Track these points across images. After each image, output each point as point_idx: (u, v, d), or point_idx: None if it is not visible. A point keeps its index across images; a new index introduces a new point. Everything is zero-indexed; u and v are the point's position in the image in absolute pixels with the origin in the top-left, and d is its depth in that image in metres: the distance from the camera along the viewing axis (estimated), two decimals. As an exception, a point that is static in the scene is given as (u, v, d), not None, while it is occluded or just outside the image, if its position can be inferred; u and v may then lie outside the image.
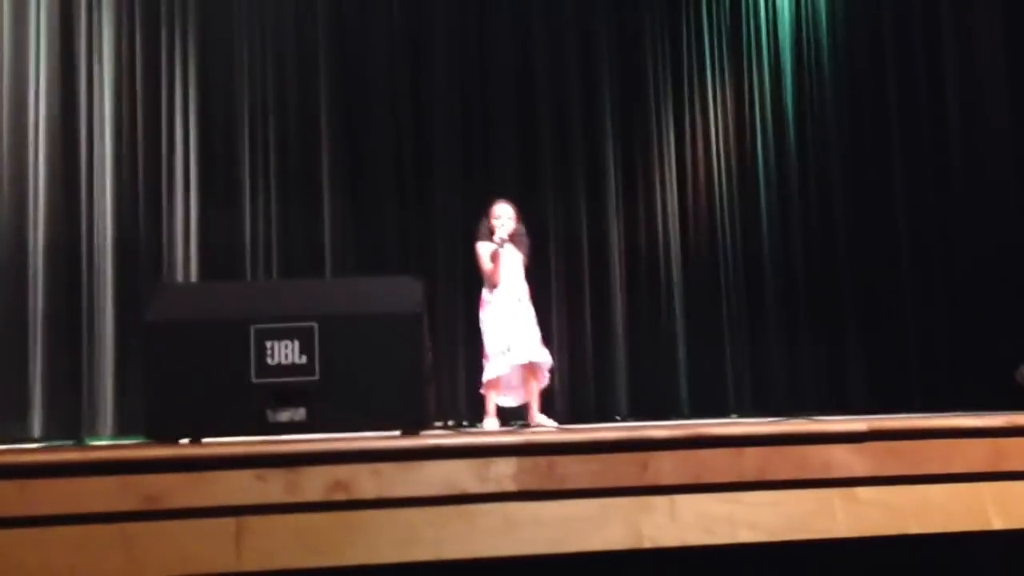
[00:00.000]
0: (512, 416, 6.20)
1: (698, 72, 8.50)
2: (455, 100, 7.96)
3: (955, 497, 2.00)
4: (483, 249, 5.89)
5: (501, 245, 5.82)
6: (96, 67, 7.11)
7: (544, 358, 5.84)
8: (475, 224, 7.20)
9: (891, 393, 7.81)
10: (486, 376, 5.78)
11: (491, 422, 5.80)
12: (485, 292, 5.90)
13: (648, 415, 7.70)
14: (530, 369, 5.79)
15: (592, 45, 8.31)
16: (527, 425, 5.85)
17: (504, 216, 5.90)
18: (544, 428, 5.51)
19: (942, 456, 2.00)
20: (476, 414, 7.53)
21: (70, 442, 6.03)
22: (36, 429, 6.45)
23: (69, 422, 6.55)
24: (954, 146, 8.04)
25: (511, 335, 5.73)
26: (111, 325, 6.88)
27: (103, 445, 2.82)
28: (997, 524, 2.00)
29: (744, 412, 7.90)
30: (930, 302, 8.03)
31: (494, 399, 5.83)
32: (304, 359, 2.26)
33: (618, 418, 7.77)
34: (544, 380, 5.90)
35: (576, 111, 8.20)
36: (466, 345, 7.69)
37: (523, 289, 5.89)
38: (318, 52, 7.73)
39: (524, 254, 5.94)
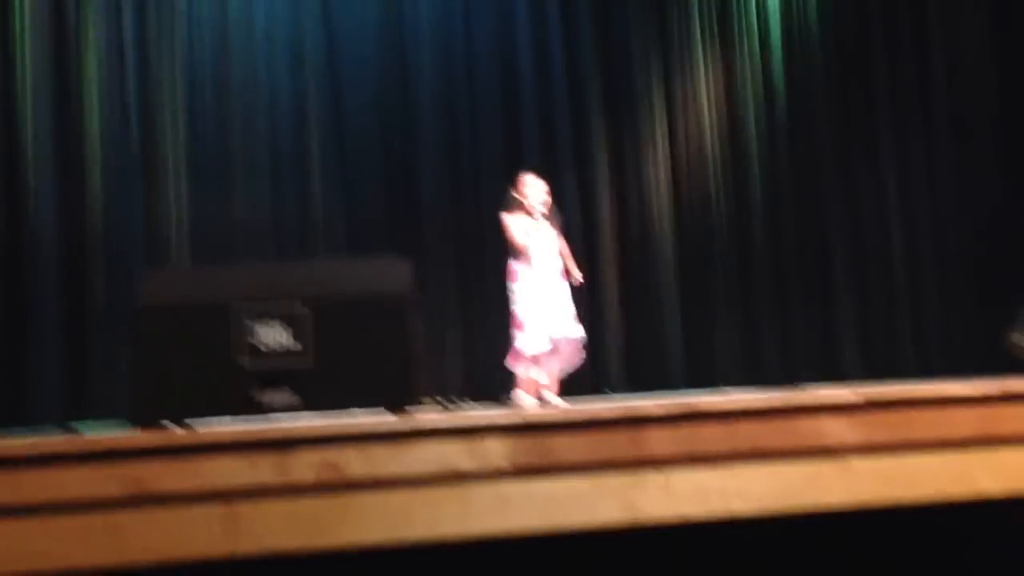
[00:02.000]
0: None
1: (687, 43, 8.45)
2: (440, 77, 7.93)
3: (947, 465, 2.00)
4: (513, 221, 5.88)
5: (538, 218, 5.83)
6: (85, 49, 7.07)
7: (579, 334, 5.88)
8: (463, 196, 7.18)
9: (884, 362, 7.84)
10: (526, 350, 5.77)
11: (524, 396, 5.80)
12: (514, 264, 5.89)
13: (641, 388, 7.71)
14: (555, 347, 5.82)
15: (577, 18, 8.26)
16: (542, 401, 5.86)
17: (539, 190, 5.91)
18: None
19: (933, 424, 2.00)
20: (468, 391, 7.54)
21: (59, 426, 6.02)
22: (25, 414, 6.44)
23: (58, 406, 6.54)
24: (940, 113, 8.06)
25: (551, 310, 5.75)
26: (100, 309, 6.86)
27: (90, 433, 2.82)
28: (989, 490, 2.01)
29: (737, 384, 7.91)
30: (921, 271, 8.06)
31: (531, 373, 5.82)
32: (293, 342, 2.25)
33: (607, 390, 7.78)
34: (575, 359, 5.94)
35: (562, 85, 8.16)
36: (457, 323, 7.70)
37: (557, 264, 5.90)
38: (305, 33, 7.70)
39: (559, 229, 5.97)
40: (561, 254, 5.96)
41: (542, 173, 6.48)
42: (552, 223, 5.93)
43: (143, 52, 7.25)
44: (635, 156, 8.27)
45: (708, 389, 7.52)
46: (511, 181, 6.21)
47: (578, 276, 5.98)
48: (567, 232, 7.23)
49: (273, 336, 2.24)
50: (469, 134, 7.94)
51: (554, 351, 5.82)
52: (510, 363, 5.92)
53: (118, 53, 7.17)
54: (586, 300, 8.01)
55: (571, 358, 5.90)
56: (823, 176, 8.28)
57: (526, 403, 5.63)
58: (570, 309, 5.87)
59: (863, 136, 8.24)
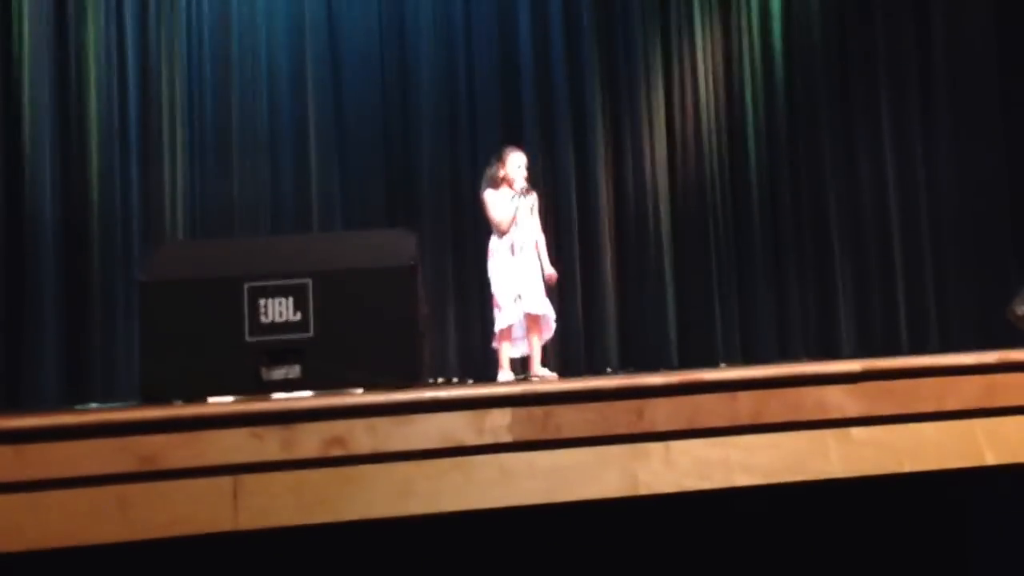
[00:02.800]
0: (515, 368, 6.22)
1: (686, 14, 8.44)
2: (440, 54, 7.94)
3: (948, 434, 2.01)
4: (493, 198, 5.89)
5: (522, 195, 5.84)
6: (84, 27, 7.07)
7: (548, 310, 5.88)
8: (461, 176, 7.20)
9: (882, 340, 7.88)
10: (498, 326, 5.81)
11: (506, 374, 5.82)
12: (493, 241, 5.92)
13: (638, 366, 7.75)
14: (533, 321, 5.82)
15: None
16: (527, 377, 5.90)
17: (522, 165, 5.91)
18: (542, 379, 5.55)
19: (935, 394, 2.01)
20: (467, 369, 7.57)
21: (59, 410, 6.03)
22: (24, 397, 6.46)
23: (58, 388, 6.55)
24: (941, 89, 8.08)
25: (520, 284, 5.76)
26: (99, 288, 6.87)
27: (96, 408, 2.83)
28: (990, 460, 2.02)
29: (734, 362, 7.94)
30: (919, 246, 8.09)
31: (508, 351, 5.85)
32: (298, 316, 2.24)
33: (609, 370, 7.81)
34: (548, 332, 5.94)
35: (560, 56, 8.18)
36: (455, 300, 7.72)
37: (531, 239, 5.91)
38: (305, 9, 7.70)
39: (537, 204, 5.98)
40: (536, 246, 5.97)
41: (540, 151, 6.51)
42: (528, 194, 5.94)
43: (143, 29, 7.26)
44: (633, 135, 8.28)
45: (706, 369, 7.53)
46: (497, 158, 6.20)
47: (551, 272, 5.99)
48: (558, 213, 7.23)
49: (278, 311, 2.24)
50: (468, 112, 7.95)
51: (532, 325, 5.84)
52: (494, 344, 5.96)
53: (118, 30, 7.18)
54: (583, 280, 8.05)
55: (544, 332, 5.93)
56: (821, 154, 8.30)
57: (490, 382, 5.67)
58: (540, 285, 5.89)
59: (862, 113, 8.27)
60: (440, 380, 7.37)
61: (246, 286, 2.22)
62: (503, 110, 8.00)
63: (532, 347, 5.92)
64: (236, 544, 1.99)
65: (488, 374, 7.38)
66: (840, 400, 1.99)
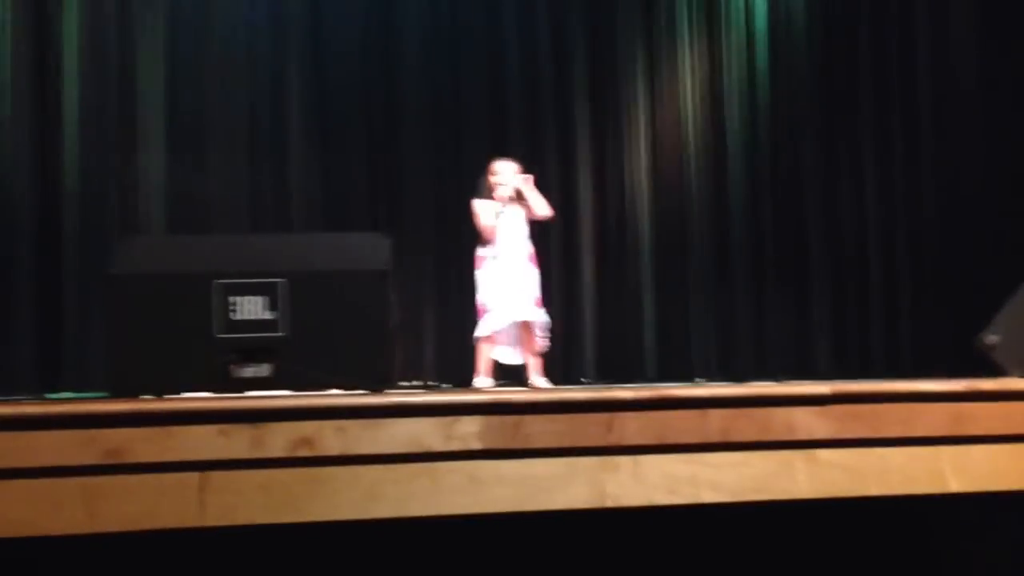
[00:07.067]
0: (506, 374, 6.17)
1: (669, 33, 8.45)
2: (425, 56, 7.92)
3: (915, 460, 2.03)
4: (481, 207, 5.89)
5: (505, 205, 5.82)
6: (64, 16, 7.02)
7: (539, 318, 5.85)
8: (443, 183, 7.17)
9: (856, 360, 7.91)
10: (478, 332, 5.79)
11: (482, 380, 5.80)
12: (481, 249, 5.90)
13: (614, 378, 7.74)
14: (528, 328, 5.80)
15: (563, 4, 8.26)
16: (508, 384, 5.87)
17: (506, 174, 5.88)
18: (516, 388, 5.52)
19: (903, 419, 2.02)
20: (444, 374, 7.55)
21: (29, 397, 5.99)
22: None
23: (32, 377, 6.51)
24: (924, 113, 8.13)
25: (508, 292, 5.74)
26: (74, 279, 6.83)
27: (64, 399, 2.81)
28: (955, 487, 2.03)
29: (710, 377, 7.95)
30: (896, 270, 8.12)
31: (487, 355, 5.82)
32: (270, 315, 2.24)
33: (584, 380, 7.81)
34: (539, 343, 5.90)
35: (546, 71, 8.17)
36: (433, 304, 7.70)
37: (524, 248, 5.89)
38: (289, 4, 7.67)
39: (531, 210, 5.91)
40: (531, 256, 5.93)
41: (524, 159, 6.50)
42: (522, 205, 5.92)
43: (124, 20, 7.20)
44: (616, 147, 8.29)
45: (682, 383, 7.55)
46: (484, 167, 6.19)
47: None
48: (540, 222, 7.22)
49: (250, 309, 2.24)
50: (452, 116, 7.94)
51: (520, 335, 5.82)
52: (475, 347, 5.94)
53: (98, 20, 7.12)
54: (563, 290, 8.05)
55: (535, 342, 5.89)
56: (803, 171, 8.33)
57: (485, 386, 5.64)
58: (534, 293, 5.86)
59: (844, 131, 8.30)
60: (415, 382, 7.35)
61: (217, 282, 2.22)
62: (488, 117, 7.98)
63: (529, 354, 5.88)
64: (201, 541, 1.98)
65: (464, 377, 7.37)
66: (809, 422, 2.00)
